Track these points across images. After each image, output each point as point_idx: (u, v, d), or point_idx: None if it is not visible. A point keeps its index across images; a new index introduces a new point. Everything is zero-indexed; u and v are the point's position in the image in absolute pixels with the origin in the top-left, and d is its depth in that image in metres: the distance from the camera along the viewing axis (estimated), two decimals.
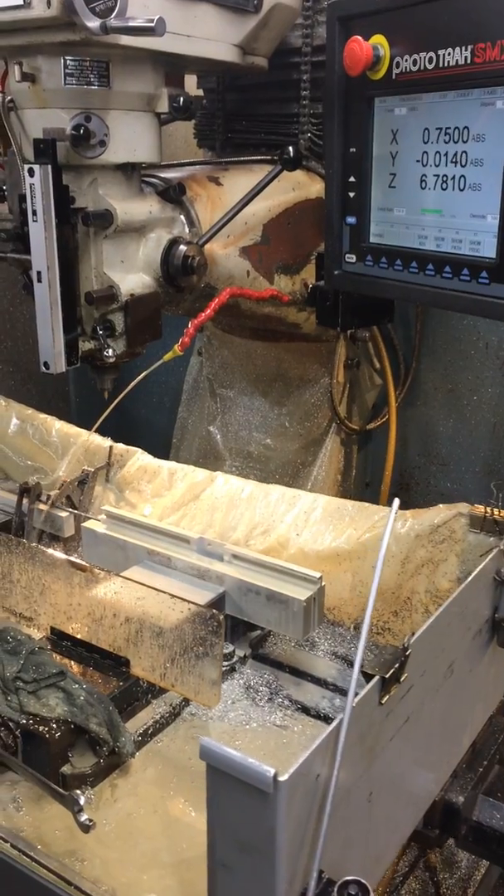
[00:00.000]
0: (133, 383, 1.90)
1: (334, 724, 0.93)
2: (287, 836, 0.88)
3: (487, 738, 1.52)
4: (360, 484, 2.64)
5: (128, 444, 2.06)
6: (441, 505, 1.58)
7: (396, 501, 1.29)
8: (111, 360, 1.80)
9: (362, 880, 0.92)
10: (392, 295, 1.81)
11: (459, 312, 2.21)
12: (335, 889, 0.92)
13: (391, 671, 1.00)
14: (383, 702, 1.01)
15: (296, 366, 2.48)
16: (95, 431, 2.05)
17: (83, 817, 1.18)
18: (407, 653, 1.03)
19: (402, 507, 1.42)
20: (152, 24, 1.45)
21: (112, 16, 1.45)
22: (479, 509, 1.54)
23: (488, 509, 1.53)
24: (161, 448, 2.49)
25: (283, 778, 0.84)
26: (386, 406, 2.48)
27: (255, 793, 0.86)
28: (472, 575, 1.27)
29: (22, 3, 1.45)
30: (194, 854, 1.21)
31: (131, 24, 1.46)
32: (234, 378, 2.59)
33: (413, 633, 1.06)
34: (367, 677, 1.00)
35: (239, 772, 0.87)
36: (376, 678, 0.99)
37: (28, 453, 2.17)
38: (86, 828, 1.18)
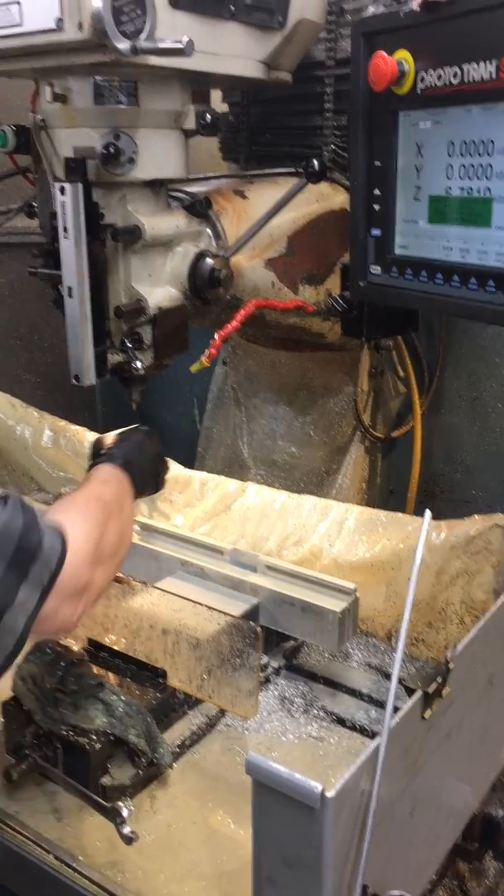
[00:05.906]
0: None
1: (378, 738, 0.94)
2: (333, 852, 0.89)
3: None
4: (385, 492, 2.63)
5: None
6: (476, 516, 1.57)
7: (428, 513, 1.27)
8: (139, 372, 1.82)
9: (408, 895, 0.93)
10: (418, 306, 1.81)
11: (487, 323, 2.20)
12: None
13: (434, 686, 1.01)
14: (426, 716, 1.02)
15: (320, 375, 2.49)
16: None
17: (126, 829, 1.20)
18: (450, 667, 1.03)
19: None
20: (182, 46, 1.47)
21: (141, 37, 1.47)
22: None
23: None
24: (187, 457, 2.50)
25: (330, 794, 0.85)
26: (410, 414, 2.48)
27: (301, 808, 0.86)
28: None
29: (55, 26, 1.47)
30: (235, 867, 1.22)
31: (161, 45, 1.47)
32: (258, 387, 2.60)
33: (455, 647, 1.06)
34: (410, 692, 1.01)
35: (286, 787, 0.87)
36: (419, 693, 1.00)
37: (60, 464, 2.19)
38: (129, 840, 1.19)
